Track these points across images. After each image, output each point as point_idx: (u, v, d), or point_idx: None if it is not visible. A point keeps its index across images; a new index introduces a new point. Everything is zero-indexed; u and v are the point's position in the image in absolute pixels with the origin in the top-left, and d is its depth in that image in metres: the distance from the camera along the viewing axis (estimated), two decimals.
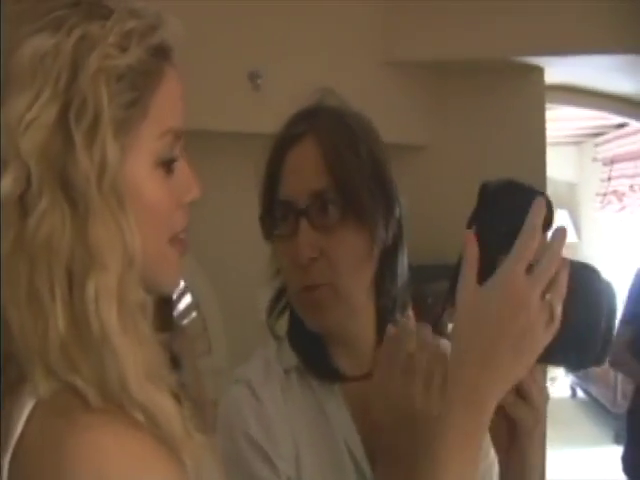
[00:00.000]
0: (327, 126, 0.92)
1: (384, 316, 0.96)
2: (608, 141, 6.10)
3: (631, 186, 5.75)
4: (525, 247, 0.69)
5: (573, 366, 0.79)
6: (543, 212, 0.71)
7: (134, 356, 0.56)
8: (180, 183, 0.65)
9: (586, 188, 6.65)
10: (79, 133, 0.56)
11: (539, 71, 3.41)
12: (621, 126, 5.64)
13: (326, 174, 0.89)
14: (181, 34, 0.63)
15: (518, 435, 0.78)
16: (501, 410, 0.74)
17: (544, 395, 0.78)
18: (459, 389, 0.69)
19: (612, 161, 6.06)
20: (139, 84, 0.59)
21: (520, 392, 0.76)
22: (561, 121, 5.25)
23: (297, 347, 0.96)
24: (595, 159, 6.40)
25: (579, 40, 3.13)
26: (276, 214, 0.93)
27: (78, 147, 0.55)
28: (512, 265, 0.68)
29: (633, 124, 4.86)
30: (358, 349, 0.96)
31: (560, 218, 5.81)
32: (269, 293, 1.00)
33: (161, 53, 0.62)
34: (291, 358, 0.95)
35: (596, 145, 6.38)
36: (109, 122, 0.57)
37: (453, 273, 0.74)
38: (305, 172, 0.91)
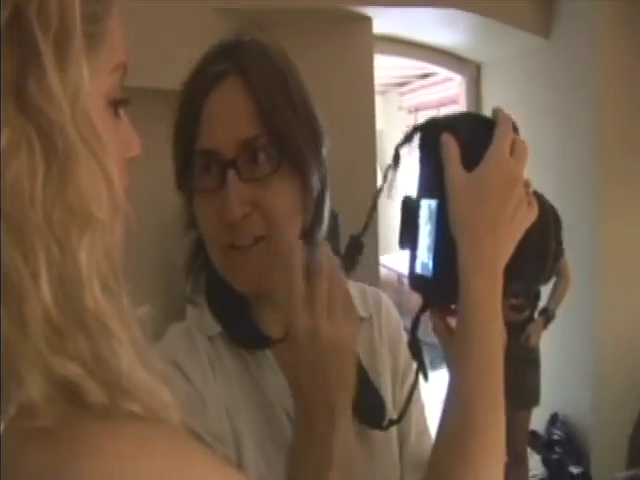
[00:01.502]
0: (254, 63, 0.81)
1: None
2: (413, 90, 6.44)
3: None
4: (505, 132, 0.74)
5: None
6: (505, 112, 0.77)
7: (125, 335, 0.45)
8: (123, 134, 0.53)
9: (392, 135, 6.99)
10: (48, 45, 0.40)
11: (368, 21, 3.50)
12: (425, 76, 5.98)
13: (257, 120, 0.79)
14: None
15: None
16: None
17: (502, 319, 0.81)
18: (473, 254, 0.72)
19: (417, 109, 6.42)
20: None
21: None
22: None
23: (219, 313, 0.86)
24: (400, 107, 6.74)
25: None
26: (195, 166, 0.81)
27: (47, 64, 0.40)
28: (499, 146, 0.74)
29: (440, 74, 5.17)
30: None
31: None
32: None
33: None
34: (214, 325, 0.86)
35: (401, 94, 6.71)
36: (81, 35, 0.42)
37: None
38: (232, 118, 0.80)
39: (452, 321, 0.80)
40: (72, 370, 0.41)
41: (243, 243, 0.80)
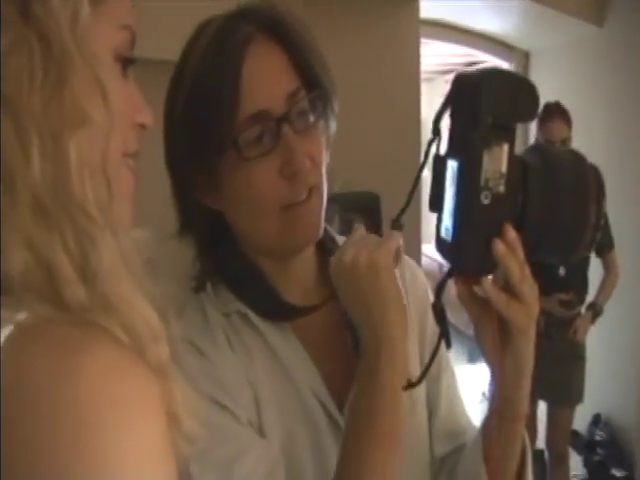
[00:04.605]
0: (280, 22, 0.83)
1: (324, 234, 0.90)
2: None
3: None
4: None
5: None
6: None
7: (112, 239, 0.46)
8: (132, 96, 0.55)
9: None
10: None
11: (415, 4, 3.42)
12: (471, 64, 5.86)
13: (295, 74, 0.82)
14: None
15: (513, 335, 0.75)
16: (493, 312, 0.74)
17: (535, 291, 0.75)
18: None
19: None
20: None
21: (512, 290, 0.73)
22: None
23: (238, 288, 0.87)
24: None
25: None
26: (242, 135, 0.79)
27: None
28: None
29: (488, 62, 5.04)
30: (303, 277, 0.90)
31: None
32: None
33: None
34: (230, 302, 0.86)
35: (446, 82, 6.58)
36: None
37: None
38: (275, 75, 0.81)
39: (476, 288, 0.76)
40: (56, 251, 0.43)
41: (302, 197, 0.82)
